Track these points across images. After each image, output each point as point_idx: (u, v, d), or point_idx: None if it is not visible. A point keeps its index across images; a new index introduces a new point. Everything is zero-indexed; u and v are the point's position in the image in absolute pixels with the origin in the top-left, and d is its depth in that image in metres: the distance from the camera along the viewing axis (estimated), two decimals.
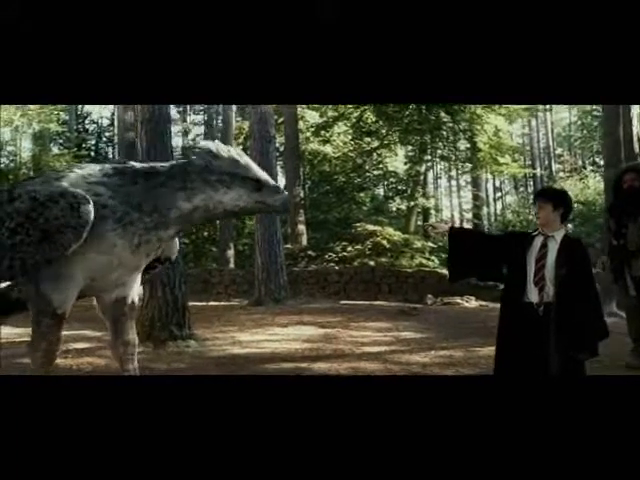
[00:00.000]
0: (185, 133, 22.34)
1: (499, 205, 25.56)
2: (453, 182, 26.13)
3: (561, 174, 23.05)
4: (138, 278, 2.83)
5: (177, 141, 20.76)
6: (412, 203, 14.47)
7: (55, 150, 18.88)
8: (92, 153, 20.35)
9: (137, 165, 2.70)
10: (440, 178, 24.43)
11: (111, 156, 17.92)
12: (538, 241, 3.07)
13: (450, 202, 26.80)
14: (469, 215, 21.94)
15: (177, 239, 2.94)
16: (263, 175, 2.61)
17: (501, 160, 13.33)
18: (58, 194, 2.47)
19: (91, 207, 2.44)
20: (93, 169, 2.67)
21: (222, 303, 11.10)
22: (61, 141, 19.86)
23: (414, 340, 6.99)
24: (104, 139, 21.43)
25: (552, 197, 3.14)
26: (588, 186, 19.95)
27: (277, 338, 6.99)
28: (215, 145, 2.55)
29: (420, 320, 8.41)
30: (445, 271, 12.01)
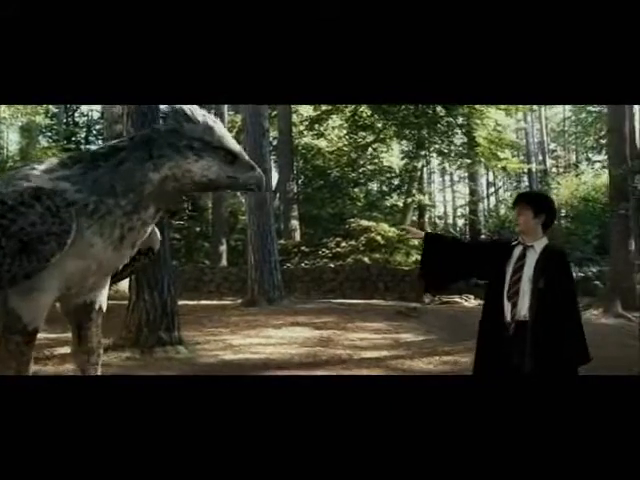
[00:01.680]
0: None
1: (492, 200, 25.32)
2: (446, 177, 25.85)
3: (554, 169, 22.80)
4: (108, 280, 2.51)
5: None
6: (410, 199, 14.18)
7: (44, 143, 18.42)
8: (82, 146, 19.90)
9: (92, 148, 2.47)
10: (434, 173, 24.12)
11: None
12: (517, 252, 2.75)
13: (443, 197, 26.54)
14: (464, 210, 21.73)
15: (156, 228, 2.58)
16: (237, 148, 2.27)
17: (501, 155, 13.06)
18: (30, 196, 2.14)
19: (72, 209, 2.13)
20: (52, 163, 2.35)
21: (214, 302, 10.78)
22: (49, 134, 19.38)
23: (415, 344, 6.72)
24: (94, 132, 20.94)
25: (533, 202, 2.79)
26: (584, 182, 19.77)
27: (271, 342, 6.69)
28: (190, 108, 2.24)
29: (419, 321, 8.14)
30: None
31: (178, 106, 2.25)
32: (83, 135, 20.83)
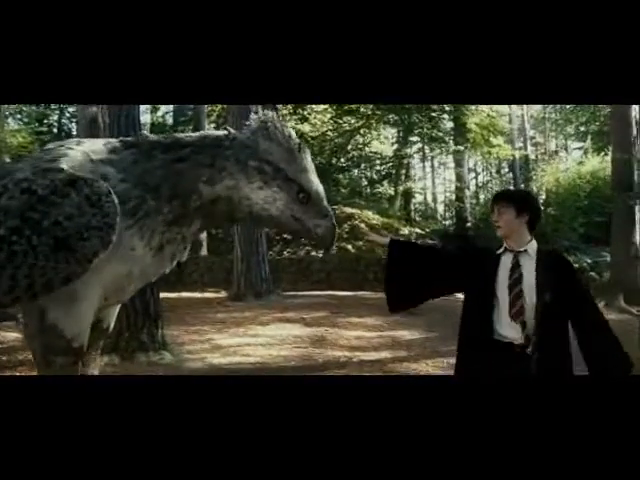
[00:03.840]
0: (154, 109, 20.91)
1: (472, 186, 25.02)
2: (427, 163, 25.45)
3: (533, 157, 22.57)
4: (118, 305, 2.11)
5: (145, 118, 19.41)
6: (400, 188, 13.78)
7: (13, 125, 17.54)
8: (54, 130, 19.05)
9: (154, 137, 1.96)
10: (412, 158, 23.61)
11: (75, 133, 16.61)
12: (507, 260, 2.31)
13: (424, 184, 26.16)
14: (448, 196, 21.46)
15: None
16: (316, 187, 1.87)
17: (494, 142, 12.68)
18: (65, 183, 1.72)
19: (114, 198, 1.73)
20: (96, 144, 1.93)
21: (197, 295, 10.27)
22: (19, 116, 18.49)
23: (415, 343, 6.33)
24: (67, 115, 20.05)
25: (514, 200, 2.36)
26: (568, 169, 19.60)
27: (261, 341, 6.25)
28: (274, 121, 1.86)
29: (415, 316, 7.75)
30: None
31: (264, 117, 1.86)
32: (55, 118, 19.97)
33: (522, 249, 2.32)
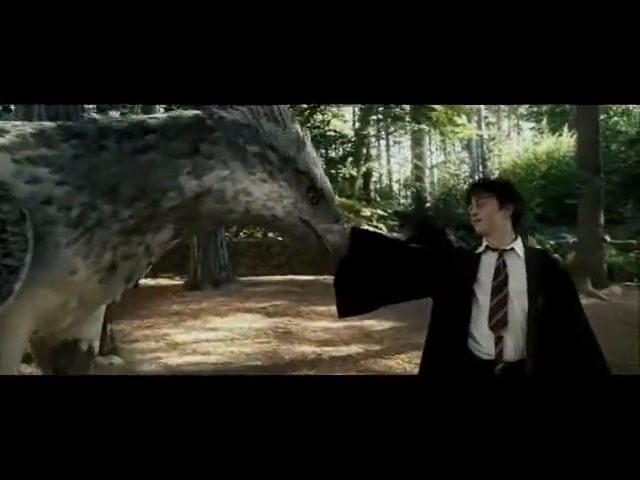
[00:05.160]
0: None
1: (436, 170, 24.94)
2: (382, 142, 25.12)
3: (487, 136, 22.55)
4: (103, 310, 1.63)
5: None
6: (363, 168, 13.39)
7: None
8: None
9: (104, 120, 1.44)
10: (372, 137, 23.21)
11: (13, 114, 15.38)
12: (490, 260, 1.96)
13: (379, 164, 25.85)
14: (404, 175, 21.28)
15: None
16: (328, 185, 1.53)
17: (458, 121, 12.43)
18: None
19: (27, 226, 1.27)
20: (22, 134, 1.40)
21: (150, 282, 9.66)
22: None
23: (385, 335, 6.01)
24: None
25: (496, 190, 2.02)
26: (526, 149, 19.72)
27: (220, 336, 5.80)
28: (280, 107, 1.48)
29: None
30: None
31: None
32: None
33: (508, 247, 1.95)
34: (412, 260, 2.05)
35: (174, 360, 4.85)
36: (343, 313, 2.02)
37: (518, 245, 1.97)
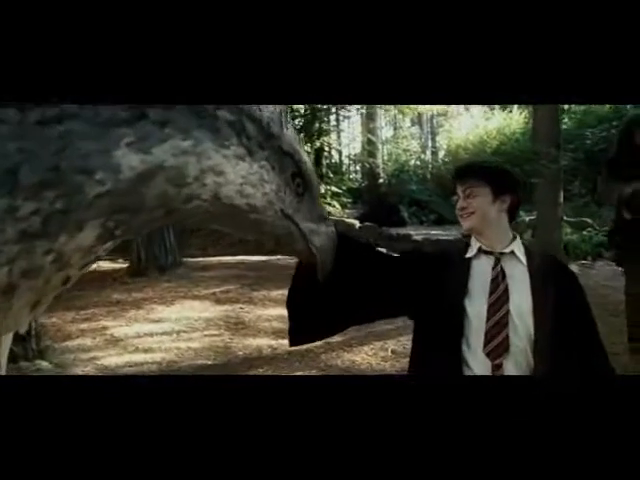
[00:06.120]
0: None
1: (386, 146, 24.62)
2: (332, 117, 24.57)
3: (436, 111, 22.36)
4: (9, 338, 1.16)
5: None
6: (317, 143, 12.88)
7: None
8: None
9: None
10: (324, 112, 22.58)
11: None
12: (483, 267, 1.56)
13: (329, 139, 25.31)
14: (357, 152, 20.90)
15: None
16: (314, 176, 1.19)
17: None
18: None
19: None
20: None
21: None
22: None
23: None
24: None
25: (491, 176, 1.60)
26: (478, 125, 19.68)
27: (166, 328, 5.29)
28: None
29: None
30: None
31: None
32: None
33: (506, 250, 1.56)
34: (385, 270, 1.57)
35: (110, 360, 4.33)
36: (295, 341, 1.56)
37: (518, 247, 1.57)
